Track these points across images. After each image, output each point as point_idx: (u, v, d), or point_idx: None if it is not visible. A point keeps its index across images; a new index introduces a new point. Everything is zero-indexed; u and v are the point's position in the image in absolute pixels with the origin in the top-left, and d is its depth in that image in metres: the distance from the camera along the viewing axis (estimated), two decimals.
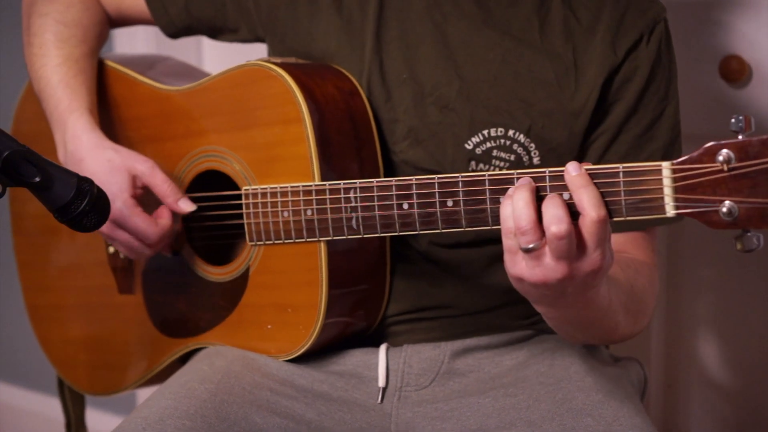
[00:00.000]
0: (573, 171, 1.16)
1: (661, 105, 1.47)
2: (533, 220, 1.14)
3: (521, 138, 1.44)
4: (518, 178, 1.19)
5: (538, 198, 1.17)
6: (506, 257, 1.18)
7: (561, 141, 1.45)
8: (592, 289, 1.20)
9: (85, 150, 1.51)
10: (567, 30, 1.46)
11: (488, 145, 1.44)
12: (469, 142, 1.45)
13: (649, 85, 1.46)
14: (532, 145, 1.45)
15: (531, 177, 1.19)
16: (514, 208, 1.15)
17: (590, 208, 1.14)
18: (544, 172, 1.19)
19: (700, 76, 1.91)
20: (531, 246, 1.15)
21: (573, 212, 1.16)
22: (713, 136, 1.16)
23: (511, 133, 1.44)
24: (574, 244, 1.14)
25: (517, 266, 1.17)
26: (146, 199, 1.51)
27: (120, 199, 1.48)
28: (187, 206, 1.50)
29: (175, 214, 1.51)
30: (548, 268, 1.15)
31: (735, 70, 1.88)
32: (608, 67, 1.44)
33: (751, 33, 1.87)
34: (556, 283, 1.16)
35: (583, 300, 1.22)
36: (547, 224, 1.14)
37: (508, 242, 1.17)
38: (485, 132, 1.44)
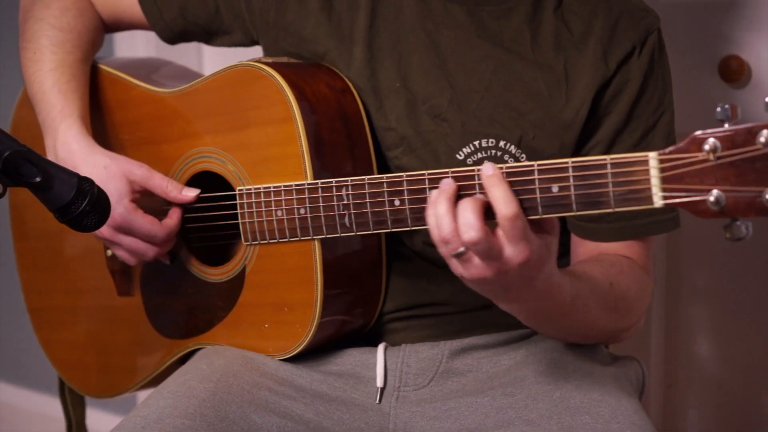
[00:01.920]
0: (487, 171, 1.18)
1: (655, 116, 1.47)
2: (454, 229, 1.17)
3: (512, 149, 1.44)
4: (508, 173, 1.19)
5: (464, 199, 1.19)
6: (447, 261, 1.20)
7: (552, 152, 1.45)
8: (535, 280, 1.20)
9: (78, 158, 1.51)
10: (559, 41, 1.46)
11: (479, 155, 1.44)
12: (461, 152, 1.45)
13: (641, 96, 1.46)
14: (523, 155, 1.45)
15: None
16: (437, 218, 1.18)
17: (501, 205, 1.16)
18: (533, 165, 1.18)
19: (699, 77, 1.91)
20: (458, 252, 1.17)
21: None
22: None
23: (502, 143, 1.44)
24: (494, 244, 1.16)
25: (456, 269, 1.20)
26: (144, 206, 1.52)
27: (121, 205, 1.49)
28: (191, 193, 1.51)
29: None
30: (480, 267, 1.17)
31: (734, 71, 1.88)
32: (599, 80, 1.44)
33: (750, 33, 1.87)
34: (493, 279, 1.18)
35: (537, 292, 1.23)
36: (461, 233, 1.16)
37: (441, 249, 1.19)
38: (476, 143, 1.44)
